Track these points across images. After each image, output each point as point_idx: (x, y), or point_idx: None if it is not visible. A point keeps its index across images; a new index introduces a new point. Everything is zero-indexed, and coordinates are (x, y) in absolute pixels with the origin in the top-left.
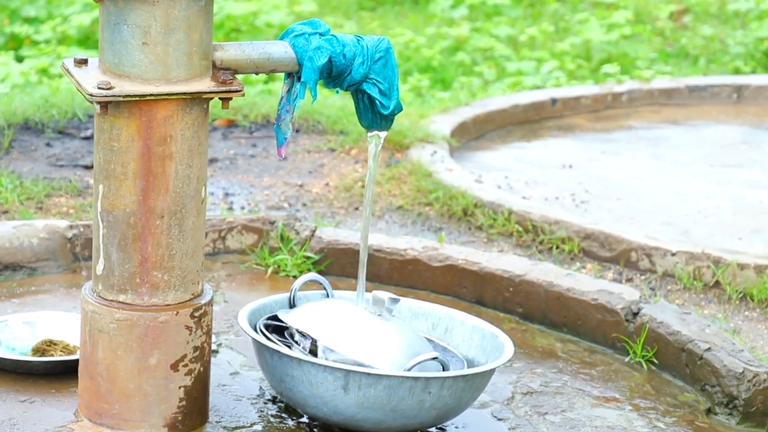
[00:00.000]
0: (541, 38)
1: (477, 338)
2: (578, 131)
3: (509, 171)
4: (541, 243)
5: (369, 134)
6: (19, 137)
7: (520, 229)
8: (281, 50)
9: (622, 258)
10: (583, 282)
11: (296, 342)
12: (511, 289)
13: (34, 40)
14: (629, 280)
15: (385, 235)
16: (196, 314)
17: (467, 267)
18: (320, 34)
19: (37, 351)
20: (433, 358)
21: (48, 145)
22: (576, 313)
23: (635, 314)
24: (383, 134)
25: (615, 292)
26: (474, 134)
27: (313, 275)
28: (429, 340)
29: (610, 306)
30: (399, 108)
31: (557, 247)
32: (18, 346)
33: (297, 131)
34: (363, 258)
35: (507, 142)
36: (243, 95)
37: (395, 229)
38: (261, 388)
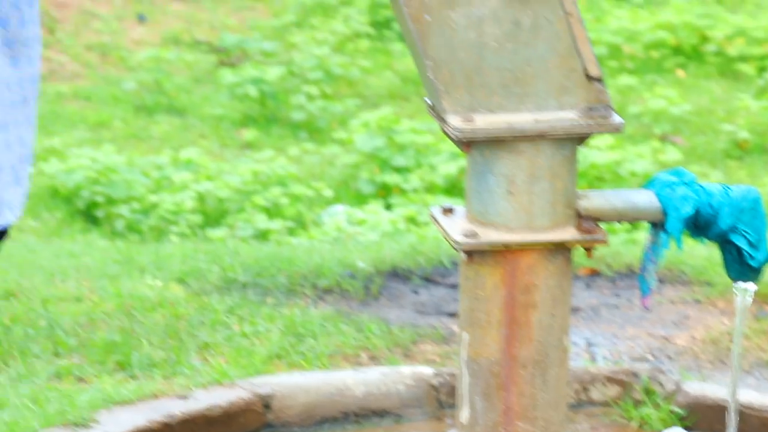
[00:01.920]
0: None
1: None
2: None
3: None
4: None
5: (736, 286)
6: (387, 284)
7: None
8: (646, 199)
9: None
10: None
11: None
12: None
13: (403, 189)
14: None
15: (755, 392)
16: None
17: None
18: (686, 184)
19: None
20: None
21: (414, 292)
22: None
23: None
24: (752, 287)
25: None
26: None
27: (678, 430)
28: None
29: None
30: None
31: None
32: None
33: (661, 281)
34: (732, 415)
35: None
36: (607, 244)
37: (765, 386)
38: None
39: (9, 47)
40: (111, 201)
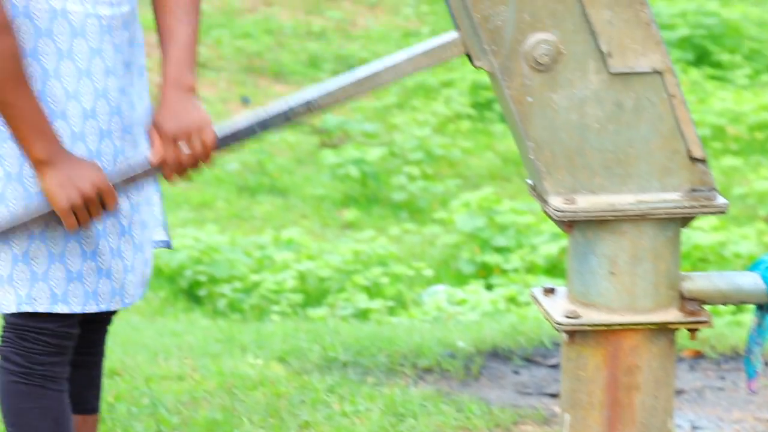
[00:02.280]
0: None
1: None
2: None
3: None
4: None
5: None
6: (487, 364)
7: None
8: (750, 281)
9: None
10: None
11: None
12: None
13: (503, 269)
14: None
15: None
16: None
17: None
18: None
19: None
20: None
21: (515, 372)
22: None
23: None
24: None
25: None
26: None
27: None
28: None
29: None
30: None
31: None
32: None
33: (767, 364)
34: None
35: None
36: (711, 326)
37: None
38: None
39: (128, 132)
40: (213, 280)
